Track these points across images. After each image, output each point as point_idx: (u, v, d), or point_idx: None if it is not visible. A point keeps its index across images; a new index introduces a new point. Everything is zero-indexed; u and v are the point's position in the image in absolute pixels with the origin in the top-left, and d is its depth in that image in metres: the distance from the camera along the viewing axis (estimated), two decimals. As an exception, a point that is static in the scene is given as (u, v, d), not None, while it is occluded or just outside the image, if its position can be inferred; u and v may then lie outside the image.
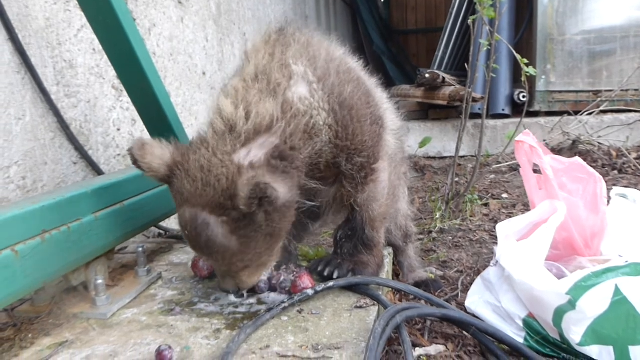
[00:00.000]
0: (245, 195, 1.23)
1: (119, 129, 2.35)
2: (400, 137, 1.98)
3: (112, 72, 2.24)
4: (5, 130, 1.74)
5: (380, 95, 1.78)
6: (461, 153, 3.86)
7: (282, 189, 1.30)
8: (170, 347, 1.24)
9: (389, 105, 1.84)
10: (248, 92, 1.41)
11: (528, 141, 1.79)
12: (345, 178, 1.57)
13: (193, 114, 3.04)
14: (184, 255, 1.98)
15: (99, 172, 2.13)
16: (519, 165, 4.08)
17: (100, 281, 1.51)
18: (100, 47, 1.96)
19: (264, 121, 1.35)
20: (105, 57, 1.99)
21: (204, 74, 3.22)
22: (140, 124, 2.42)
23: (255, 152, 1.33)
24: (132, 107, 2.17)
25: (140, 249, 1.72)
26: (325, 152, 1.50)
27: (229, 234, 1.32)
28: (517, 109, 5.04)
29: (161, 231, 2.44)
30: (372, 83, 1.75)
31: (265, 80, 1.43)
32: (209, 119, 1.43)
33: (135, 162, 1.39)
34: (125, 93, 2.18)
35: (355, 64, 1.67)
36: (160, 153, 1.39)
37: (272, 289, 1.58)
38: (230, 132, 1.35)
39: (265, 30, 1.58)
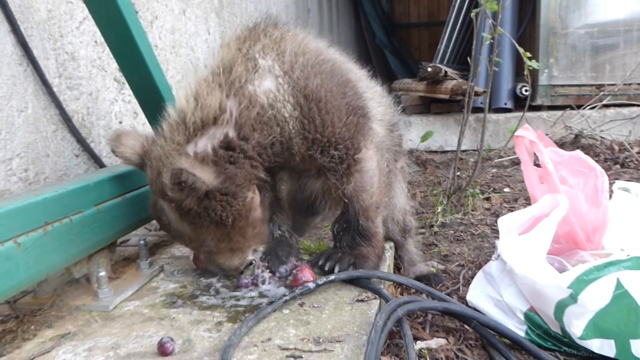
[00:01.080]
0: (167, 182, 1.32)
1: (120, 122, 2.35)
2: (396, 129, 1.97)
3: (114, 65, 2.24)
4: (8, 122, 1.74)
5: (366, 85, 1.77)
6: (463, 147, 3.86)
7: (205, 175, 1.34)
8: (172, 340, 1.24)
9: (376, 96, 1.83)
10: (203, 85, 1.47)
11: (528, 136, 1.78)
12: (328, 170, 1.58)
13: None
14: (186, 248, 1.98)
15: (100, 164, 2.13)
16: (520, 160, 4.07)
17: (102, 274, 1.51)
18: (102, 40, 1.96)
19: (211, 111, 1.41)
20: (107, 49, 1.99)
21: (205, 67, 3.21)
22: (142, 117, 2.42)
23: (202, 143, 1.40)
24: (134, 100, 2.16)
25: (142, 242, 1.72)
26: (297, 144, 1.52)
27: (180, 219, 1.44)
28: (520, 103, 5.02)
29: (163, 224, 2.44)
30: (357, 74, 1.75)
31: (227, 72, 1.48)
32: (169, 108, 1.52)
33: (112, 151, 1.53)
34: (127, 86, 2.18)
35: (333, 55, 1.67)
36: (132, 143, 1.51)
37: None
38: (182, 122, 1.43)
39: (239, 26, 1.62)
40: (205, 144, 1.39)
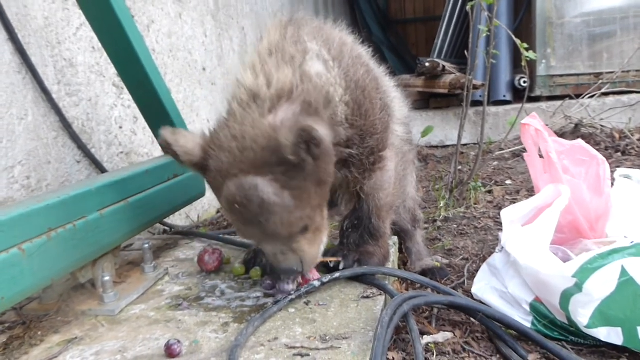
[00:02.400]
0: (291, 142, 1.22)
1: (121, 127, 2.35)
2: (407, 123, 1.99)
3: (112, 70, 2.24)
4: (8, 130, 1.74)
5: (388, 84, 1.79)
6: (463, 141, 3.85)
7: (325, 130, 1.27)
8: (179, 342, 1.24)
9: (397, 94, 1.85)
10: (265, 63, 1.42)
11: (534, 124, 1.77)
12: (354, 163, 1.57)
13: (194, 110, 3.04)
14: (190, 251, 1.99)
15: (102, 170, 2.13)
16: (521, 151, 4.08)
17: (107, 278, 1.52)
18: (100, 45, 1.97)
19: (285, 86, 1.35)
20: (105, 54, 1.99)
21: (204, 69, 3.22)
22: (142, 121, 2.42)
23: (282, 115, 1.32)
24: (134, 105, 2.16)
25: (146, 246, 1.73)
26: (340, 133, 1.48)
27: (280, 190, 1.29)
28: (519, 95, 5.02)
29: (166, 228, 2.45)
30: (380, 71, 1.77)
31: (279, 54, 1.44)
32: (229, 96, 1.45)
33: (168, 147, 1.37)
34: (126, 90, 2.18)
35: (364, 52, 1.70)
36: (192, 137, 1.40)
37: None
38: (254, 100, 1.36)
39: (275, 16, 1.61)
40: (285, 115, 1.32)
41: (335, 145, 1.45)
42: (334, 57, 1.49)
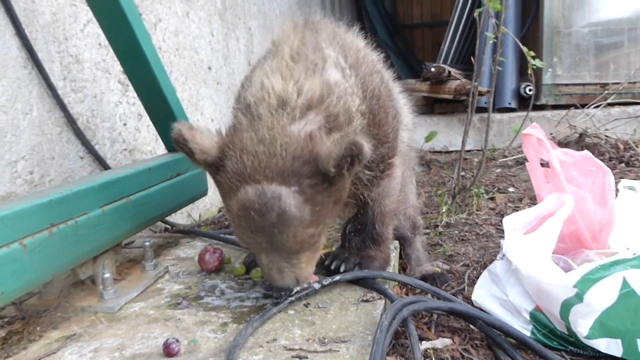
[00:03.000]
0: (338, 155, 1.19)
1: (125, 124, 2.35)
2: (411, 130, 1.99)
3: (118, 67, 2.24)
4: (13, 125, 1.75)
5: (397, 90, 1.79)
6: (467, 147, 3.85)
7: (369, 145, 1.24)
8: (177, 341, 1.24)
9: (405, 100, 1.85)
10: (293, 70, 1.38)
11: (535, 134, 1.78)
12: (364, 171, 1.55)
13: (199, 109, 3.05)
14: (191, 249, 1.99)
15: (105, 166, 2.13)
16: (525, 159, 4.06)
17: (107, 275, 1.52)
18: (106, 42, 1.97)
19: (315, 96, 1.34)
20: (111, 51, 1.99)
21: (209, 68, 3.22)
22: (146, 119, 2.42)
23: (310, 125, 1.31)
24: (139, 102, 2.17)
25: (147, 243, 1.73)
26: None
27: (302, 204, 1.26)
28: (524, 103, 5.01)
29: (167, 226, 2.45)
30: (389, 77, 1.76)
31: (303, 61, 1.40)
32: (251, 97, 1.39)
33: (184, 143, 1.30)
34: (131, 88, 2.19)
35: (377, 58, 1.69)
36: (209, 135, 1.34)
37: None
38: (281, 107, 1.33)
39: (291, 20, 1.58)
40: (311, 127, 1.31)
41: None
42: (351, 65, 1.46)
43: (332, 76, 1.41)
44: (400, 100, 1.74)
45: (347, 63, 1.46)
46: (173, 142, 1.32)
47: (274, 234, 1.28)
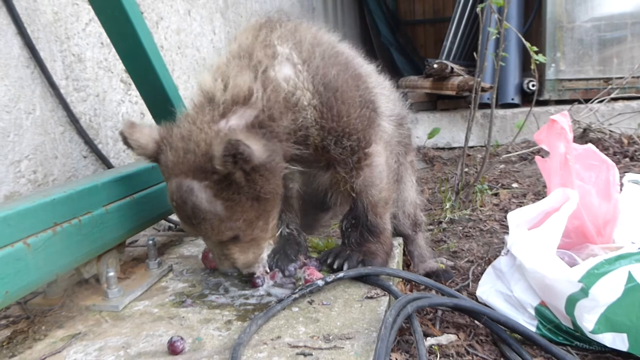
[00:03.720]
0: (219, 153, 1.26)
1: (128, 123, 2.35)
2: (403, 124, 1.97)
3: (120, 66, 2.24)
4: (16, 124, 1.75)
5: (376, 81, 1.78)
6: (470, 143, 3.84)
7: (256, 147, 1.30)
8: (182, 338, 1.24)
9: (386, 91, 1.83)
10: (228, 67, 1.45)
11: (562, 123, 1.74)
12: (338, 163, 1.58)
13: (201, 107, 3.04)
14: (194, 247, 1.99)
15: (108, 165, 2.13)
16: (529, 155, 4.05)
17: (111, 274, 1.52)
18: (108, 41, 1.97)
19: (242, 92, 1.39)
20: (114, 50, 1.99)
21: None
22: (148, 117, 2.42)
23: (234, 122, 1.37)
24: (141, 101, 2.17)
25: (151, 242, 1.73)
26: (312, 134, 1.51)
27: (213, 198, 1.34)
28: (527, 98, 5.00)
29: (171, 224, 2.45)
30: (367, 69, 1.76)
31: (247, 57, 1.47)
32: (192, 94, 1.50)
33: (124, 139, 1.44)
34: (133, 87, 2.19)
35: (345, 49, 1.69)
36: (148, 132, 1.45)
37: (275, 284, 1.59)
38: (209, 103, 1.40)
39: (252, 16, 1.62)
40: (237, 122, 1.37)
41: (293, 161, 1.49)
42: (304, 60, 1.49)
43: (283, 72, 1.45)
44: (377, 90, 1.71)
45: (300, 58, 1.49)
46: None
47: (194, 225, 1.38)
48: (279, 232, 1.74)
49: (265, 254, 1.55)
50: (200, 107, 1.41)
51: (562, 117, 1.76)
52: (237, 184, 1.34)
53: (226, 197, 1.35)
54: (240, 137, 1.26)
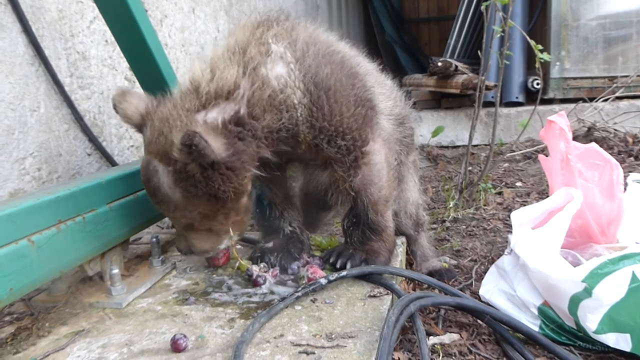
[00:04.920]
0: (177, 141, 1.29)
1: (132, 121, 2.35)
2: (406, 121, 1.96)
3: (124, 64, 2.25)
4: (21, 122, 1.75)
5: (375, 79, 1.77)
6: (474, 142, 3.83)
7: (215, 144, 1.32)
8: (185, 336, 1.25)
9: (385, 90, 1.82)
10: (219, 60, 1.48)
11: (560, 123, 1.74)
12: (335, 162, 1.58)
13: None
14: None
15: (112, 163, 2.14)
16: (533, 153, 4.04)
17: (115, 271, 1.52)
18: (113, 39, 1.97)
19: (226, 85, 1.41)
20: (118, 48, 2.00)
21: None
22: (153, 115, 2.43)
23: (213, 114, 1.39)
24: (145, 98, 2.17)
25: (155, 240, 1.73)
26: (303, 132, 1.52)
27: (173, 185, 1.40)
28: (531, 97, 4.98)
29: (175, 222, 2.45)
30: (366, 67, 1.76)
31: (240, 53, 1.48)
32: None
33: (114, 107, 1.50)
34: (138, 84, 2.18)
35: (342, 48, 1.68)
36: (137, 103, 1.50)
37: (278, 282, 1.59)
38: (194, 91, 1.43)
39: (252, 14, 1.63)
40: (216, 115, 1.39)
41: (263, 163, 1.51)
42: (297, 59, 1.49)
43: (275, 71, 1.47)
44: (375, 89, 1.70)
45: (293, 57, 1.49)
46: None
47: (156, 202, 1.46)
48: (282, 230, 1.75)
49: (225, 244, 1.58)
50: (185, 93, 1.45)
51: (559, 118, 1.75)
52: (193, 177, 1.37)
53: (184, 187, 1.40)
54: (198, 130, 1.28)
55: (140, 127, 1.49)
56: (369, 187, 1.62)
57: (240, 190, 1.45)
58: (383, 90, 1.80)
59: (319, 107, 1.49)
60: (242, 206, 1.53)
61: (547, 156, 1.86)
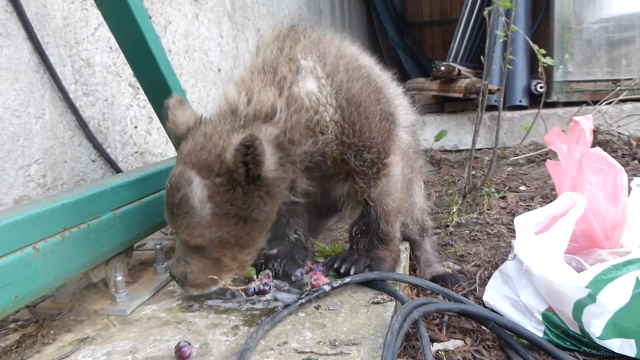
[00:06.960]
0: (236, 143, 1.28)
1: (136, 127, 2.37)
2: (415, 131, 1.97)
3: (128, 70, 2.26)
4: (26, 129, 1.76)
5: (394, 91, 1.77)
6: (478, 146, 3.83)
7: (270, 159, 1.33)
8: (189, 344, 1.25)
9: (403, 101, 1.83)
10: (253, 81, 1.46)
11: (585, 125, 1.73)
12: (357, 174, 1.58)
13: (209, 111, 3.05)
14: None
15: (117, 169, 2.15)
16: (536, 157, 4.03)
17: (119, 278, 1.52)
18: (117, 46, 1.98)
19: (264, 108, 1.39)
20: (122, 55, 2.01)
21: (219, 70, 3.23)
22: (156, 121, 2.44)
23: (268, 130, 1.38)
24: (149, 105, 2.18)
25: (159, 246, 1.74)
26: (332, 148, 1.51)
27: (206, 199, 1.35)
28: (535, 100, 4.98)
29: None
30: (385, 79, 1.75)
31: (271, 73, 1.46)
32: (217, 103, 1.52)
33: (165, 111, 1.50)
34: (141, 91, 2.20)
35: (367, 61, 1.68)
36: (189, 114, 1.50)
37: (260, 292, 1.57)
38: (231, 114, 1.42)
39: (277, 26, 1.61)
40: (268, 133, 1.38)
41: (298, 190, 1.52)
42: (328, 74, 1.48)
43: (306, 87, 1.45)
44: (396, 101, 1.71)
45: (324, 72, 1.48)
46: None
47: (174, 214, 1.39)
48: (287, 237, 1.75)
49: (217, 286, 1.50)
50: (224, 115, 1.43)
51: (585, 120, 1.74)
52: (232, 192, 1.35)
53: (217, 202, 1.35)
54: (261, 137, 1.28)
55: (180, 138, 1.48)
56: (386, 198, 1.63)
57: (269, 217, 1.45)
58: (402, 101, 1.82)
59: (350, 124, 1.49)
60: (261, 239, 1.51)
61: (552, 160, 1.85)
